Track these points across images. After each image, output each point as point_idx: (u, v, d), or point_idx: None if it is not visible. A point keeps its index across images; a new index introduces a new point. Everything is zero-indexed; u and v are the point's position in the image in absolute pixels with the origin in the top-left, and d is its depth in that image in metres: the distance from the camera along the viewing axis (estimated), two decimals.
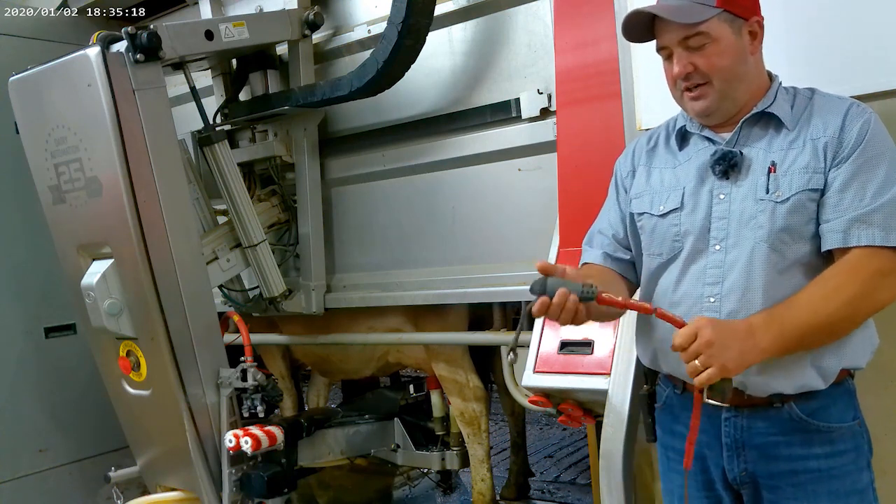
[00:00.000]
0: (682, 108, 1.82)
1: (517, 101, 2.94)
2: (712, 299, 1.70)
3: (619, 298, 1.65)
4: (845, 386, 1.73)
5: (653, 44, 1.79)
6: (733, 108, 1.74)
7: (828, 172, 1.64)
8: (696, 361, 1.56)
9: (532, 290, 1.63)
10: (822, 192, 1.64)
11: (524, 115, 2.92)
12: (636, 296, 1.92)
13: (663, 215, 1.80)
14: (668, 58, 1.75)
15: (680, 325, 1.61)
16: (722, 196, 1.72)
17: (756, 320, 1.61)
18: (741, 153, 1.71)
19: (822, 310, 1.60)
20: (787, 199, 1.65)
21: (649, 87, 2.26)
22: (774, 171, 1.67)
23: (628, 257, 1.94)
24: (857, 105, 1.69)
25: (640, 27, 1.76)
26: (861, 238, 1.60)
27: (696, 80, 1.71)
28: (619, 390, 2.16)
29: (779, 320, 1.60)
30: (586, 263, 1.97)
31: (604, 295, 1.63)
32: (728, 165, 1.71)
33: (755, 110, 1.74)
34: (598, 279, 1.75)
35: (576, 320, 1.64)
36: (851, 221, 1.60)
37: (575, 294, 1.60)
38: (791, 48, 1.99)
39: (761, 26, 1.75)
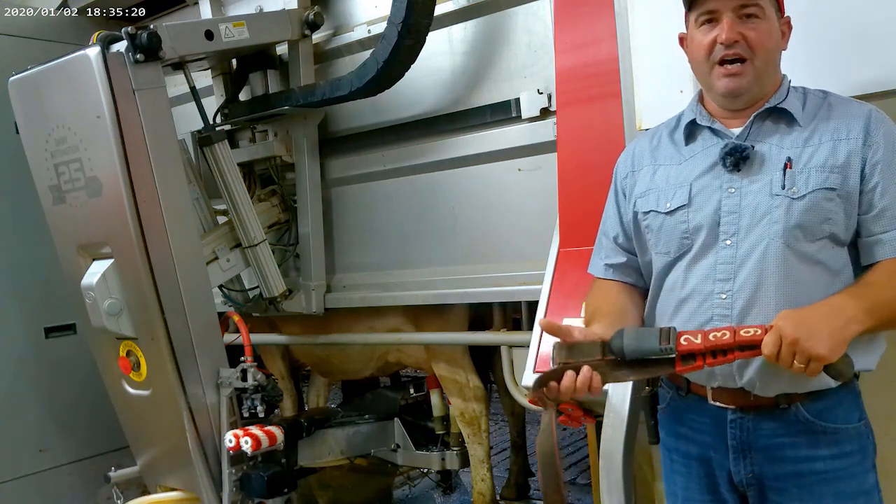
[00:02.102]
0: (707, 86, 1.78)
1: (517, 101, 2.94)
2: (724, 296, 1.68)
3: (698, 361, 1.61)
4: (851, 386, 1.72)
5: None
6: (759, 95, 1.73)
7: (854, 175, 1.64)
8: (796, 363, 1.52)
9: (554, 360, 1.63)
10: (841, 193, 1.64)
11: (524, 115, 2.92)
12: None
13: (670, 212, 1.77)
14: (707, 24, 1.72)
15: (759, 340, 1.55)
16: (732, 190, 1.70)
17: (837, 297, 1.59)
18: (752, 147, 1.70)
19: None
20: (804, 196, 1.64)
21: (649, 87, 2.26)
22: (791, 168, 1.66)
23: (626, 259, 1.92)
24: (876, 111, 1.70)
25: None
26: None
27: (739, 52, 1.68)
28: (619, 390, 2.15)
29: (861, 295, 1.59)
30: (596, 281, 1.96)
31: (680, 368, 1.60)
32: (739, 158, 1.69)
33: (767, 105, 1.73)
34: (608, 313, 1.78)
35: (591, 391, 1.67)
36: None
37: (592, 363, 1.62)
38: (791, 48, 1.99)
39: (790, 28, 1.79)
